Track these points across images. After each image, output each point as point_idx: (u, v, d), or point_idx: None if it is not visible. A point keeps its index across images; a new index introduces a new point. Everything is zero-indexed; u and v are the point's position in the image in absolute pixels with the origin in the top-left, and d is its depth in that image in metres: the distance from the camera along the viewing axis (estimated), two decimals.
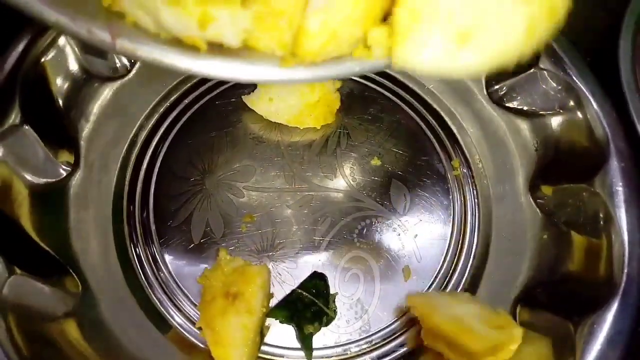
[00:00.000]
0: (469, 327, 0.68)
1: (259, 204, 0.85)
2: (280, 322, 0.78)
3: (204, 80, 0.92)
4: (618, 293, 0.67)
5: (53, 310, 0.68)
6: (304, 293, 0.79)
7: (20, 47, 0.75)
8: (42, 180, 0.76)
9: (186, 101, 0.91)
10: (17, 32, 0.75)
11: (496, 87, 0.90)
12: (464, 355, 0.68)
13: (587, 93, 0.79)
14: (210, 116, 0.91)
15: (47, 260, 0.72)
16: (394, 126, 0.91)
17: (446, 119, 0.93)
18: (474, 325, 0.68)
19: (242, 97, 0.89)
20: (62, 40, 0.78)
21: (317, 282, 0.81)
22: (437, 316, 0.71)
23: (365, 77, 0.95)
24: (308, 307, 0.79)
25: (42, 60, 0.77)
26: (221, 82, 0.93)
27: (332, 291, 0.80)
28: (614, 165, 0.74)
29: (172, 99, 0.91)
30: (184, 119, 0.90)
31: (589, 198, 0.75)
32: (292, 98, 0.87)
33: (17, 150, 0.73)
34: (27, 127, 0.74)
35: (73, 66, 0.81)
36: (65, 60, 0.80)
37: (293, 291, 0.80)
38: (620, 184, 0.73)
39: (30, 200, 0.74)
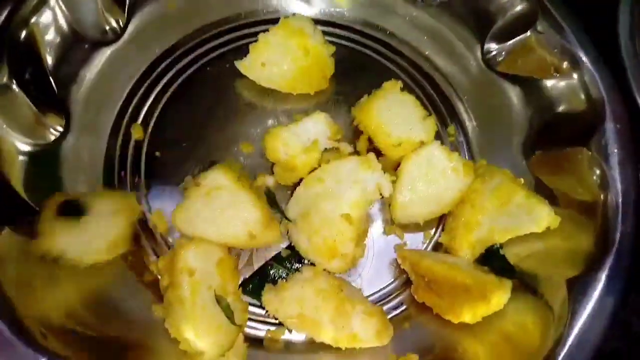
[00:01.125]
0: (459, 266, 0.68)
1: (251, 169, 0.84)
2: (251, 289, 0.77)
3: (196, 46, 0.91)
4: (611, 253, 0.67)
5: (40, 265, 0.67)
6: (274, 264, 0.79)
7: (9, 6, 0.73)
8: (32, 142, 0.76)
9: (178, 67, 0.90)
10: None
11: (493, 52, 0.89)
12: (456, 303, 0.68)
13: (583, 55, 0.78)
14: (203, 82, 0.90)
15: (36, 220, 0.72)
16: None
17: (441, 85, 0.92)
18: (464, 266, 0.69)
19: (235, 62, 0.87)
20: (52, 1, 0.77)
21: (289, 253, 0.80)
22: (426, 260, 0.72)
23: (360, 42, 0.94)
24: (280, 277, 0.79)
25: (32, 20, 0.76)
26: (214, 48, 0.92)
27: None
28: (610, 127, 0.74)
29: (164, 64, 0.90)
30: (175, 84, 0.89)
31: (584, 161, 0.75)
32: (285, 63, 0.85)
33: (7, 110, 0.73)
34: (16, 88, 0.73)
35: (63, 28, 0.80)
36: (55, 21, 0.79)
37: (265, 264, 0.80)
38: (616, 145, 0.73)
39: (20, 161, 0.74)
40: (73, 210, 0.71)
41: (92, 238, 0.69)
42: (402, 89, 0.84)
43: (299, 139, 0.80)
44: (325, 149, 0.82)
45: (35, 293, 0.65)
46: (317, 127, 0.81)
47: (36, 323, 0.62)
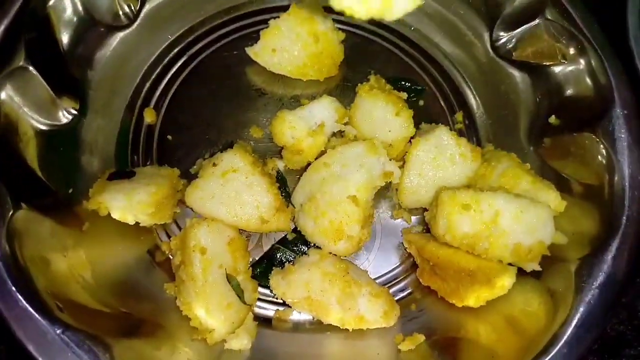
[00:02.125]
0: (463, 251, 0.68)
1: (261, 154, 0.85)
2: (259, 273, 0.79)
3: (207, 32, 0.93)
4: (617, 235, 0.68)
5: (56, 242, 0.69)
6: (281, 247, 0.81)
7: None
8: (47, 122, 0.77)
9: (190, 52, 0.91)
10: None
11: (502, 40, 0.90)
12: (460, 288, 0.69)
13: (591, 42, 0.78)
14: (214, 68, 0.91)
15: (52, 198, 0.73)
16: (398, 79, 0.91)
17: (450, 72, 0.93)
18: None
19: (246, 48, 0.89)
20: None
21: (295, 236, 0.81)
22: (432, 245, 0.72)
23: (370, 30, 0.95)
24: (288, 260, 0.80)
25: (48, 4, 0.77)
26: (225, 35, 0.93)
27: None
28: (617, 112, 0.74)
29: (176, 49, 0.91)
30: (187, 70, 0.91)
31: (591, 146, 0.75)
32: (296, 49, 0.86)
33: (24, 91, 0.74)
34: (33, 70, 0.75)
35: (79, 12, 0.81)
36: (71, 5, 0.80)
37: (271, 247, 0.81)
38: (623, 130, 0.73)
39: (35, 140, 0.75)
40: (122, 175, 0.76)
41: (137, 193, 0.72)
42: (371, 89, 0.82)
43: (306, 123, 0.81)
44: (334, 133, 0.83)
45: (50, 268, 0.67)
46: (323, 111, 0.82)
47: (52, 296, 0.63)
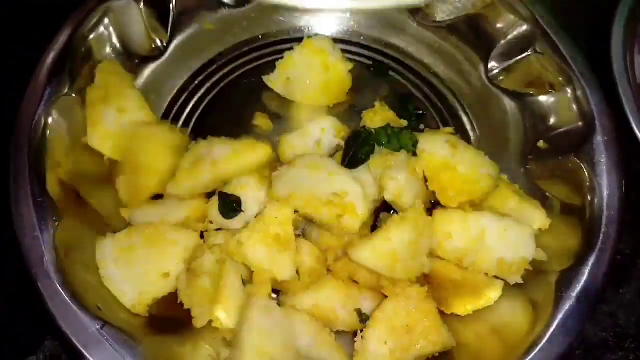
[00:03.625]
0: (451, 263, 0.76)
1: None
2: None
3: (229, 62, 1.03)
4: (595, 251, 0.75)
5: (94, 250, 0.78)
6: None
7: (71, 27, 0.86)
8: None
9: (213, 80, 1.02)
10: (68, 13, 0.86)
11: (496, 70, 0.98)
12: (447, 297, 0.75)
13: (576, 73, 0.86)
14: (235, 94, 1.01)
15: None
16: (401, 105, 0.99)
17: (449, 99, 1.01)
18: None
19: (263, 77, 0.98)
20: (106, 20, 0.89)
21: None
22: None
23: (376, 60, 1.04)
24: None
25: (89, 38, 0.88)
26: (245, 64, 1.03)
27: None
28: (598, 139, 0.82)
29: (201, 77, 1.01)
30: (211, 95, 1.01)
31: (574, 169, 0.83)
32: (308, 78, 0.96)
33: (67, 117, 0.83)
34: (75, 98, 0.85)
35: (115, 45, 0.92)
36: (109, 39, 0.91)
37: None
38: (603, 155, 0.81)
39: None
40: None
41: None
42: (375, 115, 0.89)
43: (305, 142, 0.89)
44: (337, 150, 0.90)
45: (90, 272, 0.76)
46: (320, 129, 0.90)
47: (93, 297, 0.73)
